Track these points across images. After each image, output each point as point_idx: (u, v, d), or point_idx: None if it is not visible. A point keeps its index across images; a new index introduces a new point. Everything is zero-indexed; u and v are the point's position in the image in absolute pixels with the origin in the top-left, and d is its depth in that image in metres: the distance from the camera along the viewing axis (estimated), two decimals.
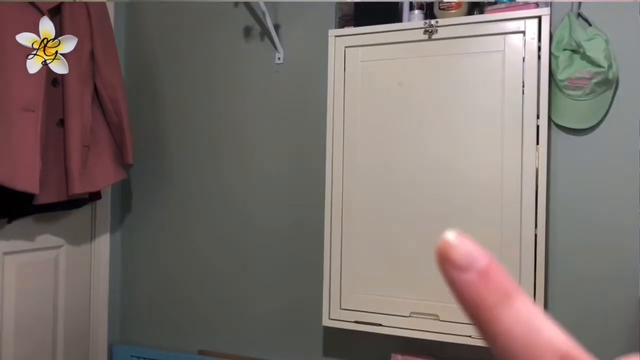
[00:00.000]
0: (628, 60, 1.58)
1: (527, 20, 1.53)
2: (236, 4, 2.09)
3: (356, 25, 1.76)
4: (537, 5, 1.56)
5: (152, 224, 2.26)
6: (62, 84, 1.81)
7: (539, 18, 1.52)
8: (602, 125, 1.61)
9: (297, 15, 2.01)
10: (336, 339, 1.94)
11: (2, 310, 1.81)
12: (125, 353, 2.25)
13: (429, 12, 1.71)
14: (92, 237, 2.20)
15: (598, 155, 1.62)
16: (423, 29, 1.64)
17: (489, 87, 1.57)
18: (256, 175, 2.07)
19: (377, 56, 1.71)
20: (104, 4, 1.97)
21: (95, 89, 1.92)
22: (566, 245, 1.65)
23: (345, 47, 1.74)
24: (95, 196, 2.05)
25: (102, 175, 1.93)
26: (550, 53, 1.57)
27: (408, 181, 1.66)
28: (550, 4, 1.57)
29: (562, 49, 1.58)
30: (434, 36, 1.63)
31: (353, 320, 1.72)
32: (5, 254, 1.82)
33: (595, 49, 1.53)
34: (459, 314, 1.57)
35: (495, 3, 1.61)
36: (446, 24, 1.62)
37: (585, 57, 1.55)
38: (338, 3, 1.82)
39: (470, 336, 1.58)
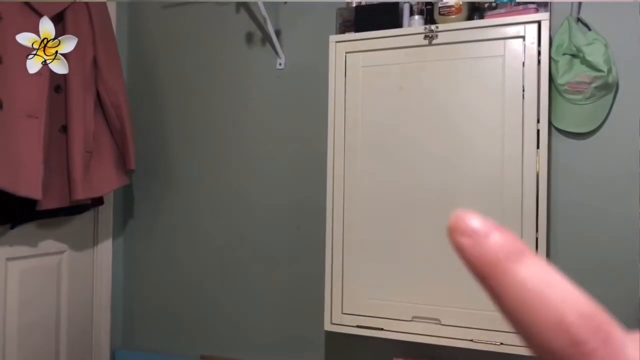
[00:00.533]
0: (627, 64, 1.59)
1: (527, 25, 1.54)
2: (238, 9, 2.11)
3: (357, 30, 1.77)
4: (536, 10, 1.56)
5: (155, 230, 2.27)
6: (65, 91, 1.83)
7: (539, 23, 1.53)
8: (602, 129, 1.61)
9: (298, 21, 2.02)
10: (338, 343, 1.94)
11: (5, 316, 1.82)
12: (128, 358, 2.25)
13: (429, 18, 1.72)
14: (94, 242, 2.21)
15: (598, 159, 1.62)
16: (423, 34, 1.65)
17: (489, 92, 1.58)
18: (257, 180, 2.08)
19: (377, 61, 1.71)
20: (106, 10, 1.99)
21: (98, 95, 1.93)
22: (567, 249, 1.65)
23: (346, 52, 1.75)
24: (97, 202, 2.06)
25: (105, 181, 1.94)
26: (550, 57, 1.58)
27: (409, 186, 1.66)
28: (549, 9, 1.58)
29: (562, 53, 1.59)
30: (434, 41, 1.64)
31: (355, 325, 1.72)
32: (9, 259, 1.83)
33: (594, 54, 1.54)
34: (461, 318, 1.58)
35: (495, 8, 1.62)
36: (446, 29, 1.63)
37: (585, 62, 1.56)
38: (339, 9, 1.83)
39: (472, 340, 1.58)
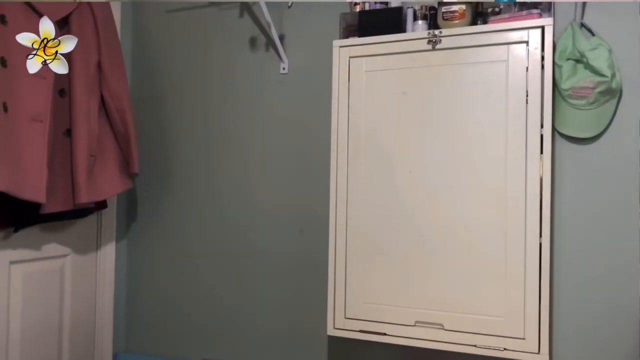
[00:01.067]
0: (631, 69, 1.59)
1: (531, 30, 1.54)
2: (241, 14, 2.12)
3: (360, 35, 1.77)
4: (540, 15, 1.56)
5: (158, 234, 2.27)
6: (69, 94, 1.83)
7: (542, 28, 1.53)
8: (605, 134, 1.61)
9: (302, 26, 2.03)
10: (341, 348, 1.94)
11: (8, 319, 1.82)
12: None
13: (432, 22, 1.72)
14: (97, 246, 2.21)
15: (602, 164, 1.62)
16: (427, 39, 1.65)
17: (493, 97, 1.58)
18: (260, 184, 2.08)
19: (381, 66, 1.72)
20: (110, 15, 2.00)
21: (102, 100, 1.94)
22: (571, 254, 1.65)
23: (350, 57, 1.75)
24: (101, 205, 2.07)
25: (109, 184, 1.95)
26: (554, 63, 1.58)
27: (412, 191, 1.66)
28: (553, 14, 1.58)
29: (566, 58, 1.59)
30: (437, 46, 1.64)
31: (358, 330, 1.72)
32: (12, 263, 1.83)
33: (598, 59, 1.54)
34: (464, 323, 1.58)
35: (498, 13, 1.62)
36: (450, 34, 1.63)
37: (588, 67, 1.55)
38: (342, 14, 1.84)
39: (475, 345, 1.57)
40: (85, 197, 1.83)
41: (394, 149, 1.69)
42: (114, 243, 2.27)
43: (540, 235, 1.52)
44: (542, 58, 1.54)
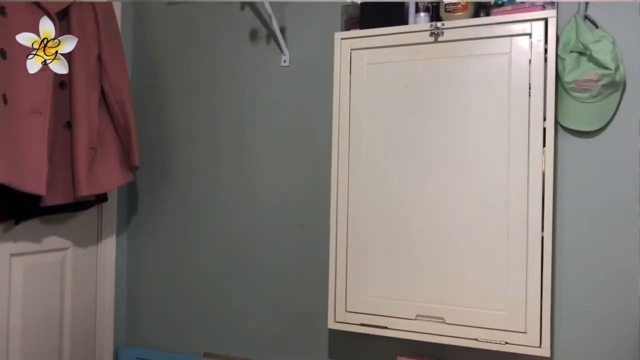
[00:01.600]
0: (635, 62, 1.57)
1: (534, 23, 1.53)
2: (242, 7, 2.10)
3: (362, 27, 1.76)
4: (543, 7, 1.55)
5: (158, 227, 2.27)
6: (69, 87, 1.83)
7: (546, 20, 1.52)
8: (609, 128, 1.60)
9: (303, 18, 2.01)
10: (342, 341, 1.94)
11: (9, 311, 1.82)
12: (131, 355, 2.26)
13: (435, 15, 1.71)
14: (98, 239, 2.21)
15: (605, 157, 1.61)
16: (429, 32, 1.64)
17: (495, 90, 1.57)
18: (261, 179, 2.08)
19: (383, 59, 1.71)
20: (111, 7, 1.99)
21: (102, 92, 1.93)
22: (573, 248, 1.64)
23: (351, 49, 1.74)
24: (101, 198, 2.06)
25: (109, 177, 1.94)
26: (557, 55, 1.56)
27: (414, 183, 1.66)
28: (556, 6, 1.57)
29: (569, 51, 1.58)
30: (440, 38, 1.63)
31: (358, 323, 1.72)
32: (13, 255, 1.83)
33: (602, 51, 1.52)
34: (465, 317, 1.57)
35: (501, 5, 1.61)
36: (452, 27, 1.62)
37: (592, 59, 1.54)
38: (344, 6, 1.83)
39: (476, 339, 1.57)
40: (85, 190, 1.83)
41: (395, 142, 1.68)
42: (114, 236, 2.27)
43: (542, 229, 1.52)
44: (545, 51, 1.53)
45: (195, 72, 2.21)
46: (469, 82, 1.60)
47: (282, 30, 2.02)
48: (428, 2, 1.72)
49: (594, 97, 1.56)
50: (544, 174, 1.52)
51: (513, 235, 1.54)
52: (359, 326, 1.71)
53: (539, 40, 1.52)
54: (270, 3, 1.94)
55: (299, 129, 2.02)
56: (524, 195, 1.53)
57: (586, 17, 1.62)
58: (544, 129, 1.52)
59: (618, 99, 1.58)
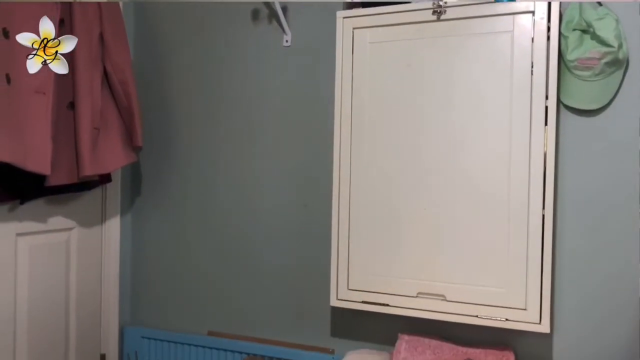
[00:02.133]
0: (638, 39, 1.57)
1: (537, 0, 1.52)
2: None
3: (364, 6, 1.75)
4: None
5: (162, 207, 2.28)
6: (71, 67, 1.83)
7: None
8: (611, 106, 1.60)
9: None
10: (344, 319, 1.96)
11: (15, 291, 1.84)
12: (136, 334, 2.28)
13: None
14: (102, 219, 2.23)
15: (607, 136, 1.61)
16: (432, 10, 1.63)
17: (498, 68, 1.57)
18: (264, 158, 2.08)
19: (385, 37, 1.70)
20: None
21: (105, 72, 1.93)
22: (573, 226, 1.65)
23: (354, 28, 1.74)
24: (105, 179, 2.08)
25: (112, 157, 1.95)
26: (560, 33, 1.56)
27: (416, 162, 1.66)
28: None
29: (572, 29, 1.57)
30: (442, 17, 1.63)
31: (360, 301, 1.73)
32: (19, 235, 1.84)
33: (605, 29, 1.52)
34: (466, 294, 1.59)
35: None
36: (455, 4, 1.61)
37: (595, 37, 1.54)
38: None
39: (476, 316, 1.59)
40: (89, 170, 1.84)
41: (397, 120, 1.69)
42: (118, 217, 2.28)
43: (544, 207, 1.53)
44: (548, 29, 1.52)
45: (197, 52, 2.21)
46: (471, 60, 1.60)
47: (284, 9, 2.01)
48: None
49: (596, 75, 1.56)
50: (545, 152, 1.52)
51: (514, 213, 1.55)
52: (361, 304, 1.73)
53: (542, 18, 1.52)
54: None
55: (301, 109, 2.02)
56: (526, 173, 1.54)
57: None
58: (546, 108, 1.52)
59: (621, 77, 1.57)
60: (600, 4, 1.58)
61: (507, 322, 1.56)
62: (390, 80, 1.70)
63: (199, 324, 2.21)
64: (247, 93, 2.11)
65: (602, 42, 1.52)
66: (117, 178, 2.24)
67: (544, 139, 1.52)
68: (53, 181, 1.78)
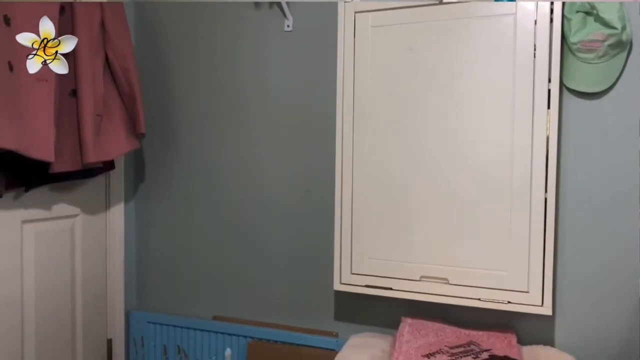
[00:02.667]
0: None
1: None
2: None
3: None
4: None
5: (165, 193, 2.29)
6: (73, 54, 1.82)
7: None
8: (614, 89, 1.59)
9: None
10: (347, 303, 1.97)
11: (22, 277, 1.86)
12: (142, 319, 2.31)
13: None
14: (107, 206, 2.24)
15: (610, 119, 1.61)
16: None
17: (500, 51, 1.56)
18: (266, 144, 2.09)
19: (387, 21, 1.69)
20: None
21: (107, 59, 1.93)
22: (575, 209, 1.65)
23: (355, 12, 1.73)
24: (109, 166, 2.08)
25: (115, 144, 1.96)
26: (563, 15, 1.55)
27: (418, 146, 1.66)
28: None
29: (575, 10, 1.56)
30: (445, 0, 1.61)
31: (364, 285, 1.75)
32: (24, 222, 1.86)
33: (609, 10, 1.51)
34: (469, 278, 1.60)
35: None
36: None
37: (598, 19, 1.52)
38: None
39: (479, 299, 1.60)
40: (93, 157, 1.85)
41: (399, 105, 1.68)
42: (122, 203, 2.29)
43: (546, 190, 1.53)
44: (551, 11, 1.51)
45: (198, 37, 2.20)
46: (474, 43, 1.59)
47: None
48: None
49: (599, 57, 1.55)
50: (548, 135, 1.52)
51: (517, 197, 1.55)
52: (364, 287, 1.75)
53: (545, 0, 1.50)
54: None
55: (303, 94, 2.02)
56: (528, 156, 1.54)
57: None
58: (549, 90, 1.52)
59: (624, 59, 1.56)
60: None
61: (509, 304, 1.57)
62: (393, 64, 1.69)
63: (204, 308, 2.23)
64: (248, 79, 2.11)
65: (606, 24, 1.51)
66: (120, 165, 2.25)
67: (546, 122, 1.52)
68: (57, 168, 1.79)
